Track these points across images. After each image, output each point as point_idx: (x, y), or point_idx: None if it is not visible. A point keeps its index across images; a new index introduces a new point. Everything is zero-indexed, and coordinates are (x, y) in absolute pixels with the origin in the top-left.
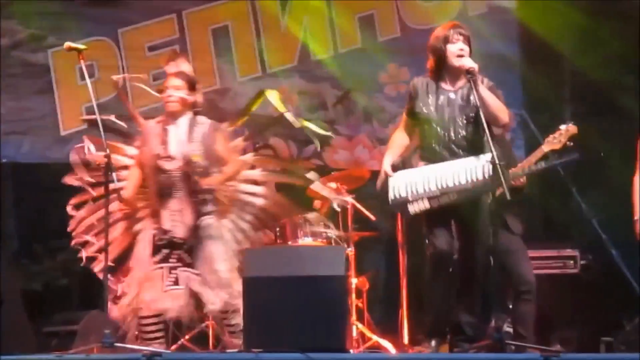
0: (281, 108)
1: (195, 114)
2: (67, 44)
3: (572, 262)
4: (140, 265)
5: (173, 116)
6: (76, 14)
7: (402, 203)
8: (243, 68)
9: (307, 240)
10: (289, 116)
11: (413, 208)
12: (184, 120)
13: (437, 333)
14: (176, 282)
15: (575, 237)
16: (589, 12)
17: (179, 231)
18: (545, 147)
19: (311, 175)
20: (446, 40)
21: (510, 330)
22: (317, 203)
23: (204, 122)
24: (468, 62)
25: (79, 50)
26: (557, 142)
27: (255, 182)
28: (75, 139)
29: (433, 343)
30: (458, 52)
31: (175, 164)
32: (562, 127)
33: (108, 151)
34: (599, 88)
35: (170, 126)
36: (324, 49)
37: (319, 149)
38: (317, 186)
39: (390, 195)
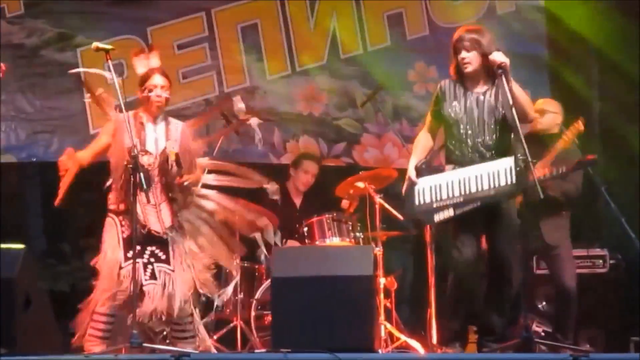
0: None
1: (167, 115)
2: (95, 44)
3: (601, 261)
4: (110, 261)
5: (151, 112)
6: (104, 13)
7: (427, 210)
8: (272, 66)
9: (335, 240)
10: None
11: (438, 216)
12: (161, 118)
13: (460, 338)
14: (153, 276)
15: (604, 236)
16: (617, 10)
17: (156, 226)
18: (559, 145)
19: (271, 186)
20: (455, 49)
21: (539, 330)
22: (344, 203)
23: (176, 122)
24: (499, 57)
25: (106, 51)
26: (567, 140)
27: (208, 186)
28: None
29: (457, 345)
30: (461, 62)
31: (151, 159)
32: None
33: (137, 151)
34: (628, 87)
35: (146, 122)
36: (353, 46)
37: None
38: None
39: (415, 202)
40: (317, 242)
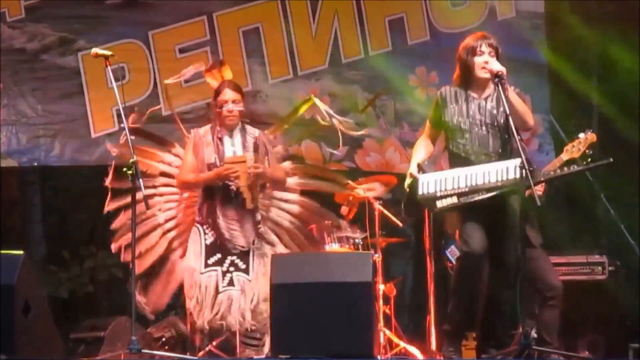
0: (325, 116)
1: (243, 123)
2: (94, 50)
3: (600, 268)
4: (191, 270)
5: (226, 126)
6: (106, 17)
7: (430, 198)
8: (274, 70)
9: (334, 247)
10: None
11: (441, 203)
12: (237, 129)
13: (460, 336)
14: (231, 283)
15: (604, 243)
16: (617, 15)
17: (240, 240)
18: (565, 156)
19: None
20: (473, 51)
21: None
22: (344, 209)
23: (253, 131)
24: (496, 66)
25: (106, 57)
26: (577, 151)
27: (292, 190)
28: (106, 142)
29: (452, 348)
30: (483, 65)
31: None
32: (581, 135)
33: (135, 158)
34: (627, 92)
35: (224, 136)
36: (355, 51)
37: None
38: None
39: (419, 191)
40: (316, 249)
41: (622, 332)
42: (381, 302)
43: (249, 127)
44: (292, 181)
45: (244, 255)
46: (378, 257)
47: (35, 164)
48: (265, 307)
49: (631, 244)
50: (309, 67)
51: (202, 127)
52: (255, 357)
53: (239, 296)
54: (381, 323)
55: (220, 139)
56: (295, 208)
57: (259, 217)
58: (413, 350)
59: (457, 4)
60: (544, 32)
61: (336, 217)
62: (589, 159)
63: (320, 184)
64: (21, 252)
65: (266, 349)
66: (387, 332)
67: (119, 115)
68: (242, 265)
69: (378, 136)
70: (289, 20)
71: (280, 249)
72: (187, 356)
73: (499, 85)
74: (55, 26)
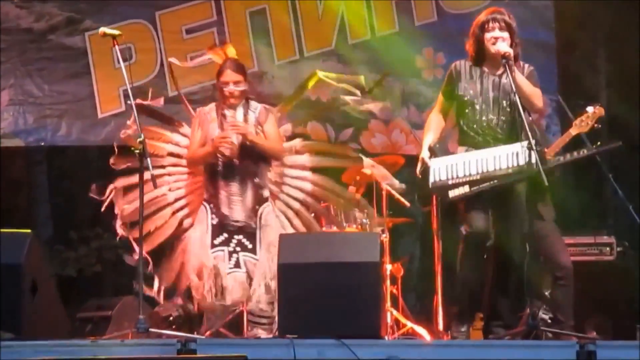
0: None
1: (247, 99)
2: (102, 29)
3: (608, 249)
4: (198, 250)
5: (228, 104)
6: None
7: (442, 187)
8: (280, 51)
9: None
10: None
11: (453, 193)
12: (240, 106)
13: (468, 317)
14: (237, 265)
15: (612, 223)
16: None
17: (239, 215)
18: (573, 131)
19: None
20: (483, 26)
21: (546, 317)
22: (351, 189)
23: (257, 106)
24: (503, 47)
25: (113, 36)
26: (585, 125)
27: (303, 167)
28: (113, 122)
29: (464, 328)
30: (492, 40)
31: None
32: (589, 109)
33: (143, 137)
34: (635, 73)
35: (226, 112)
36: (361, 32)
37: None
38: (368, 165)
39: (431, 179)
40: (323, 229)
41: (630, 313)
42: (388, 282)
43: (252, 102)
44: (302, 159)
45: (251, 234)
46: (385, 237)
47: (42, 144)
48: (274, 285)
49: (639, 224)
50: (315, 49)
51: (208, 105)
52: (262, 336)
53: (245, 278)
54: (388, 303)
55: (224, 115)
56: (307, 185)
57: (266, 193)
58: (420, 330)
59: None
60: (552, 12)
61: (351, 195)
62: (599, 142)
63: (330, 160)
64: (29, 230)
65: (275, 326)
66: (395, 312)
67: (125, 96)
68: (249, 245)
69: (384, 118)
70: (295, 2)
71: (288, 229)
72: (195, 335)
73: (506, 66)
74: (62, 6)
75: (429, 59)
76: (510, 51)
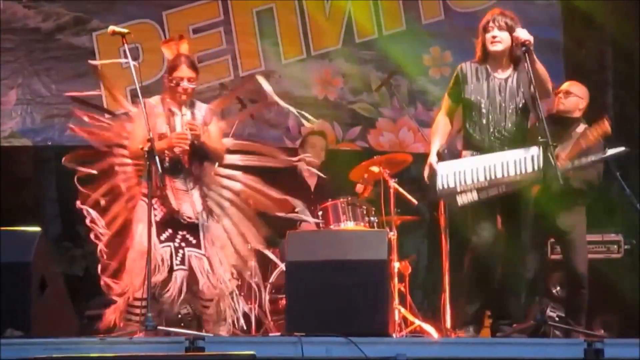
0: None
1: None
2: (111, 28)
3: (615, 246)
4: (141, 245)
5: (177, 100)
6: None
7: (450, 193)
8: (288, 50)
9: (349, 225)
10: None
11: (461, 200)
12: (187, 102)
13: (476, 322)
14: (183, 262)
15: (619, 221)
16: None
17: (188, 211)
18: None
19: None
20: (484, 27)
21: (554, 314)
22: (359, 187)
23: (201, 104)
24: (523, 34)
25: (122, 35)
26: (592, 138)
27: (234, 167)
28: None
29: (471, 329)
30: (491, 40)
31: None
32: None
33: (151, 135)
34: None
35: (173, 108)
36: (368, 31)
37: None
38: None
39: (439, 185)
40: (331, 226)
41: (638, 311)
42: (396, 280)
43: (198, 102)
44: (234, 158)
45: (194, 229)
46: (393, 235)
47: (50, 143)
48: (223, 271)
49: None
50: (322, 47)
51: (152, 97)
52: (271, 334)
53: (187, 276)
54: (396, 301)
55: (171, 111)
56: (237, 185)
57: (205, 190)
58: (428, 328)
59: None
60: (559, 10)
61: (281, 197)
62: (606, 148)
63: (260, 159)
64: (38, 228)
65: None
66: (402, 310)
67: (132, 96)
68: (193, 240)
69: (391, 116)
70: (302, 1)
71: (227, 223)
72: (203, 333)
73: (526, 54)
74: (69, 6)
75: (436, 57)
76: (531, 39)
